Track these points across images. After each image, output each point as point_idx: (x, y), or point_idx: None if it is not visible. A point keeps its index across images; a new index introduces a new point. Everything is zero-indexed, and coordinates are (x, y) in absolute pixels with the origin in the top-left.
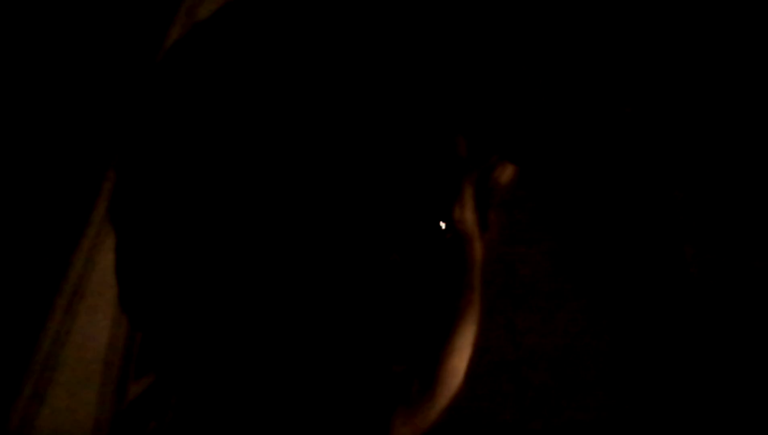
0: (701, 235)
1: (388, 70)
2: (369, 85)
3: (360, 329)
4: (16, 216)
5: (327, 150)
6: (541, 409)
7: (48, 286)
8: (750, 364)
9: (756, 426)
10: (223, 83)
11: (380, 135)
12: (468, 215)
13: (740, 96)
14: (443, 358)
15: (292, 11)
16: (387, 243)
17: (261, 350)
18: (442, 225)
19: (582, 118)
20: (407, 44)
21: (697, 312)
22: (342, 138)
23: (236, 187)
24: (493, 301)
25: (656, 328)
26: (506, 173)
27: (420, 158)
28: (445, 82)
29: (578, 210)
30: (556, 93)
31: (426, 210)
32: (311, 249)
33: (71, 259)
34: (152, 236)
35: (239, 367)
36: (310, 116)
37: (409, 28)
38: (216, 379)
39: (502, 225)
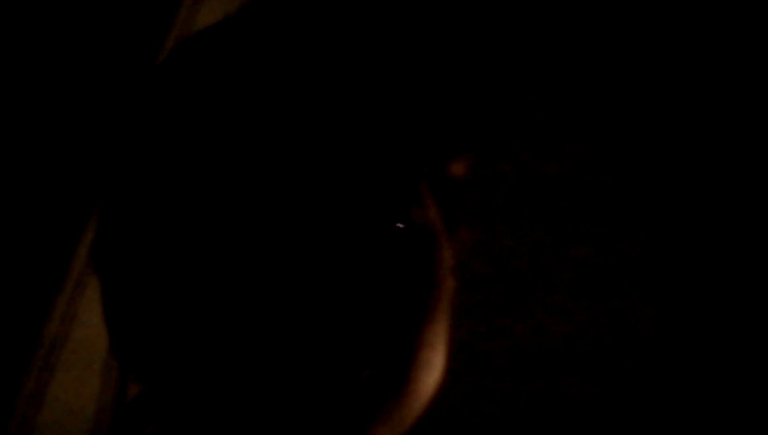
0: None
1: (350, 88)
2: (330, 99)
3: (328, 332)
4: (17, 216)
5: (288, 166)
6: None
7: (49, 284)
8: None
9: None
10: (200, 132)
11: (338, 143)
12: (430, 213)
13: (740, 100)
14: (415, 354)
15: (265, 37)
16: (348, 244)
17: (242, 373)
18: (401, 225)
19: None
20: (366, 66)
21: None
22: (300, 149)
23: (217, 228)
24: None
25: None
26: (460, 166)
27: (375, 164)
28: (399, 90)
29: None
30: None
31: (383, 212)
32: (279, 269)
33: (72, 255)
34: (138, 280)
35: (223, 393)
36: (279, 134)
37: (368, 49)
38: (201, 405)
39: (471, 232)
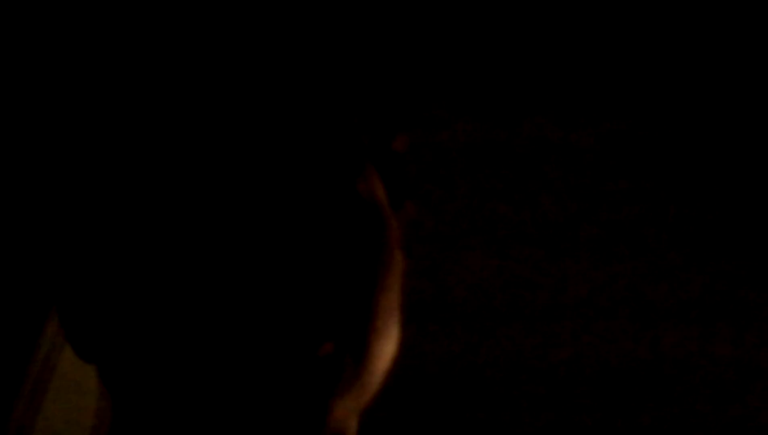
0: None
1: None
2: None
3: (286, 305)
4: (19, 217)
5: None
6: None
7: (47, 287)
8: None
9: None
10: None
11: (293, 127)
12: (375, 187)
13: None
14: (371, 325)
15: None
16: (299, 218)
17: (201, 357)
18: (350, 198)
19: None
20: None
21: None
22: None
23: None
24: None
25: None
26: (401, 141)
27: (323, 144)
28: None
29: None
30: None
31: (331, 185)
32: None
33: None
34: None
35: (190, 382)
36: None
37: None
38: (169, 389)
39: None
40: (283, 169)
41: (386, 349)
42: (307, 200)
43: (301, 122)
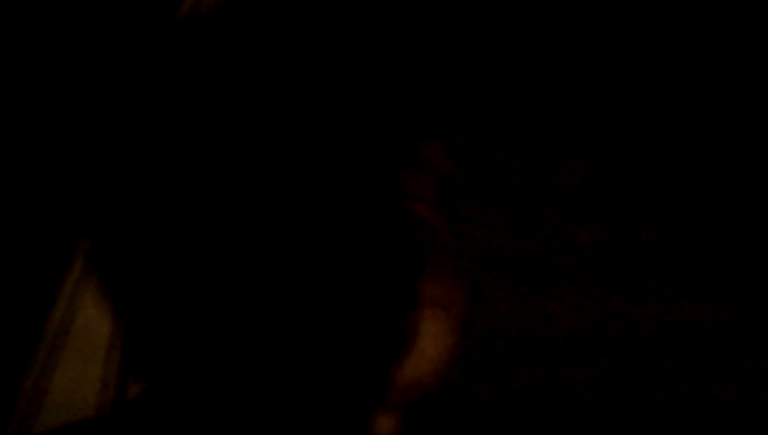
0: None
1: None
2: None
3: (354, 291)
4: (23, 210)
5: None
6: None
7: (53, 275)
8: None
9: None
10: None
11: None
12: (420, 188)
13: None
14: (417, 313)
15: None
16: (361, 213)
17: (256, 342)
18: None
19: None
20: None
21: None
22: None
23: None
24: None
25: None
26: (435, 149)
27: (369, 151)
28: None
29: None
30: None
31: (377, 191)
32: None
33: (76, 251)
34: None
35: (233, 362)
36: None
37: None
38: (212, 372)
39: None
40: (339, 186)
41: (432, 338)
42: (359, 208)
43: (347, 136)
